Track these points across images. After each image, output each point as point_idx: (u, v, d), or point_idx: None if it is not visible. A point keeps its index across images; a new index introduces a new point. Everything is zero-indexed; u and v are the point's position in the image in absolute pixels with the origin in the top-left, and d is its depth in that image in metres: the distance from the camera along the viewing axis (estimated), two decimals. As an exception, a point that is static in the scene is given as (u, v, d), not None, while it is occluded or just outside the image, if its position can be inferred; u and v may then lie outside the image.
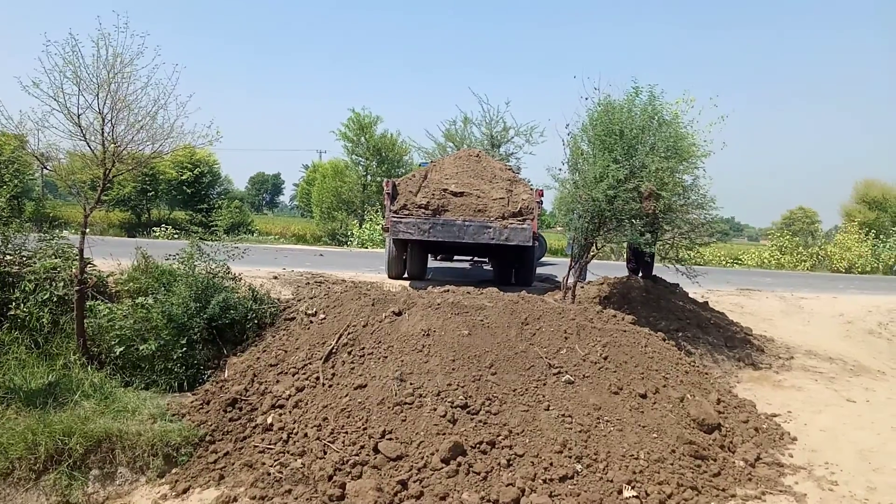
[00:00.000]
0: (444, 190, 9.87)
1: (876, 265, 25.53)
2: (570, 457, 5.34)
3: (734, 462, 5.81)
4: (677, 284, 10.39)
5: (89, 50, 6.42)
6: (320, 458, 5.30)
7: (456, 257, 15.02)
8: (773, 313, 11.32)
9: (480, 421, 5.60)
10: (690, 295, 10.43)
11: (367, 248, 23.03)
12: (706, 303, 10.46)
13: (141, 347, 6.68)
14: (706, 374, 7.54)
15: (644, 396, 6.23)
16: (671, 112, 8.76)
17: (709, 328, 9.21)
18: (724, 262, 25.68)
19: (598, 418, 5.81)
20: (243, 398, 6.15)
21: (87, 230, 6.89)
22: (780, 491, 5.43)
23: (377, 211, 26.06)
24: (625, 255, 11.80)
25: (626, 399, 6.14)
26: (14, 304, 6.97)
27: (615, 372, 6.46)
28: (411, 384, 5.94)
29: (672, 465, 5.43)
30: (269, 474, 5.19)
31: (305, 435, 5.58)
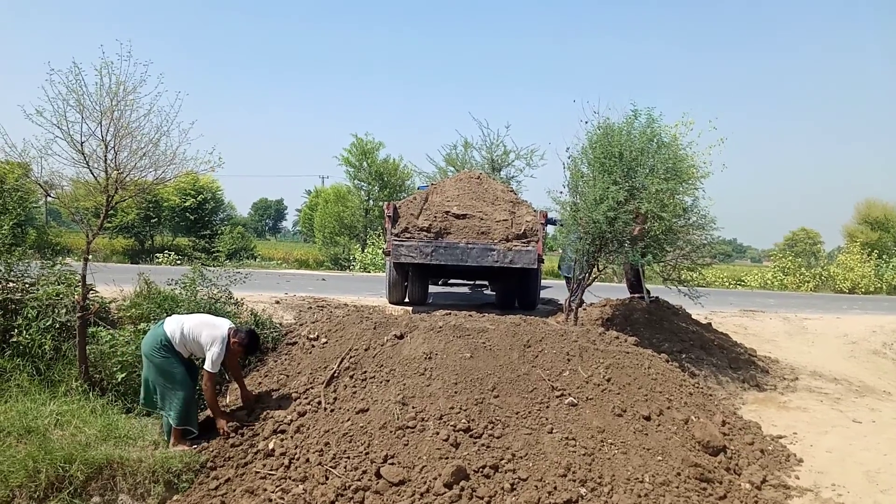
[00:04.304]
0: (447, 212, 9.77)
1: (879, 285, 25.44)
2: (574, 480, 5.29)
3: (740, 484, 5.75)
4: (680, 306, 10.36)
5: (92, 78, 6.50)
6: (322, 484, 5.25)
7: (454, 281, 14.69)
8: (777, 334, 11.27)
9: (483, 445, 5.56)
10: (693, 316, 10.39)
11: (369, 272, 23.03)
12: (709, 324, 10.42)
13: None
14: (710, 395, 7.49)
15: (648, 419, 6.19)
16: (670, 134, 8.82)
17: (712, 349, 9.16)
18: (726, 284, 25.62)
19: (601, 441, 5.76)
20: (245, 423, 6.12)
21: (90, 257, 6.92)
22: (788, 513, 5.38)
23: (379, 235, 26.08)
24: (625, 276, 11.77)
25: (630, 421, 6.10)
26: (17, 330, 6.97)
27: (618, 394, 6.42)
28: (413, 408, 5.91)
29: (677, 488, 5.38)
30: (270, 500, 5.15)
31: (307, 460, 5.54)
